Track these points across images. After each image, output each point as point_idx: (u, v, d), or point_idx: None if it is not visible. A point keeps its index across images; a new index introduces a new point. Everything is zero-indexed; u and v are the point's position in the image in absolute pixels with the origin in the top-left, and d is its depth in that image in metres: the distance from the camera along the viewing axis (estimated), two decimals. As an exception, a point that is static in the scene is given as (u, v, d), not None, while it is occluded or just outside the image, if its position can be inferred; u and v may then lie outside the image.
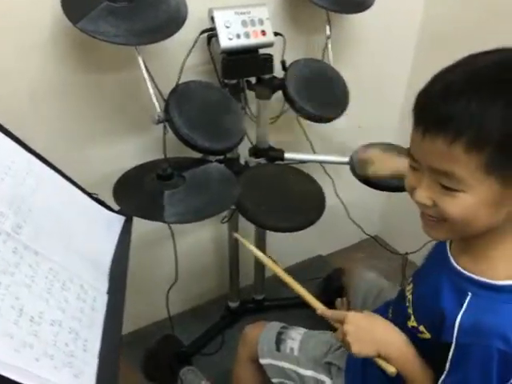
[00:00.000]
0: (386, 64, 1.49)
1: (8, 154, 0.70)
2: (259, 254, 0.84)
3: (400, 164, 0.97)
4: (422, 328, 0.70)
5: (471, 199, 0.56)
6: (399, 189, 1.20)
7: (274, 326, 1.02)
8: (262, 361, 0.98)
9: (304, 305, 1.08)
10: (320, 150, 1.44)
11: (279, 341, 0.98)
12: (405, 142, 0.68)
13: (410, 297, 0.75)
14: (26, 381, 0.50)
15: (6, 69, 0.97)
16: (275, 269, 0.82)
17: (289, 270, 1.83)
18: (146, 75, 0.99)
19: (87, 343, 0.60)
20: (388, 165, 0.96)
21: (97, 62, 1.08)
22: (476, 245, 0.64)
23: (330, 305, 1.53)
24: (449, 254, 0.68)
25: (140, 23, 0.89)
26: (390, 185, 1.18)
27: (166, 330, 1.45)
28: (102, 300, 0.68)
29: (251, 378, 1.06)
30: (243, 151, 1.30)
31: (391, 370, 0.70)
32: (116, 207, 0.88)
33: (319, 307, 0.77)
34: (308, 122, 1.30)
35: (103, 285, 0.71)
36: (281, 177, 1.10)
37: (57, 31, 0.99)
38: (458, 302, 0.63)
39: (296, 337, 0.98)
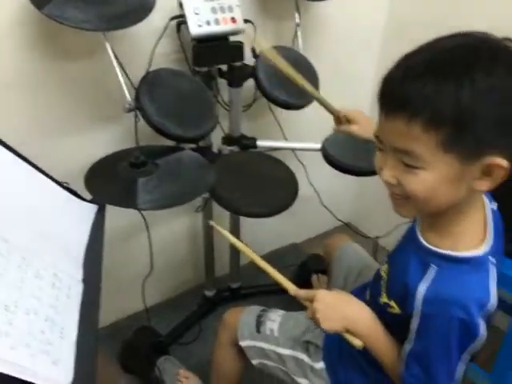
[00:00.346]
0: (354, 50, 1.52)
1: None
2: (234, 240, 0.85)
3: None
4: (392, 303, 0.73)
5: (431, 176, 0.59)
6: (368, 173, 1.23)
7: (254, 310, 1.03)
8: (243, 343, 0.99)
9: (279, 290, 1.11)
10: (292, 137, 1.46)
11: (259, 323, 0.99)
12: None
13: (384, 275, 0.78)
14: (2, 369, 0.49)
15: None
16: (250, 254, 0.83)
17: (263, 258, 1.86)
18: (114, 63, 0.98)
19: (64, 331, 0.60)
20: (369, 126, 0.98)
21: (65, 49, 1.06)
22: (441, 222, 0.67)
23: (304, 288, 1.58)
24: (417, 232, 0.72)
25: (109, 9, 0.88)
26: (359, 169, 1.21)
27: (143, 322, 1.44)
28: (78, 288, 0.68)
29: (231, 361, 1.07)
30: (216, 140, 1.30)
31: (358, 343, 0.73)
32: (88, 197, 0.87)
33: (291, 288, 0.79)
34: (280, 109, 1.31)
35: (78, 273, 0.70)
36: (254, 164, 1.11)
37: (23, 18, 0.96)
38: (423, 274, 0.66)
39: (275, 318, 1.00)
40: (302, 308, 0.80)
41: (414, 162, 0.59)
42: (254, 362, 1.00)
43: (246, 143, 1.29)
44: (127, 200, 0.79)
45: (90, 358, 0.58)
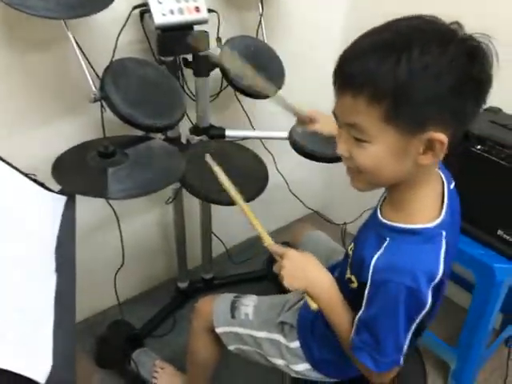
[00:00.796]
0: (315, 39, 1.55)
1: None
2: (225, 179, 0.87)
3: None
4: (352, 277, 0.76)
5: (376, 149, 0.63)
6: (334, 159, 1.27)
7: (227, 296, 1.05)
8: (218, 329, 1.01)
9: (252, 279, 1.13)
10: (259, 126, 1.47)
11: (233, 308, 1.01)
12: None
13: (350, 253, 0.81)
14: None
15: None
16: (237, 200, 0.86)
17: (235, 249, 1.88)
18: (78, 52, 0.96)
19: (38, 323, 0.59)
20: (329, 123, 1.02)
21: (27, 38, 1.03)
22: (396, 198, 0.72)
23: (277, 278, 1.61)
24: (377, 211, 0.75)
25: (70, -4, 0.86)
26: (325, 155, 1.23)
27: (116, 317, 1.43)
28: (51, 279, 0.67)
29: (206, 349, 1.08)
30: (184, 131, 1.30)
31: (313, 306, 0.76)
32: (56, 189, 0.85)
33: (268, 241, 0.83)
34: (247, 98, 1.32)
35: (51, 263, 0.69)
36: (223, 153, 1.11)
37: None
38: (378, 247, 0.69)
39: (249, 303, 1.02)
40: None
41: (361, 136, 0.63)
42: (231, 347, 1.01)
43: (214, 133, 1.29)
44: (97, 189, 0.78)
45: (68, 346, 0.58)
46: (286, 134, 1.30)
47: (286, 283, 0.77)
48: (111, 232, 1.29)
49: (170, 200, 1.35)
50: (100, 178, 0.81)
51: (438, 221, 0.68)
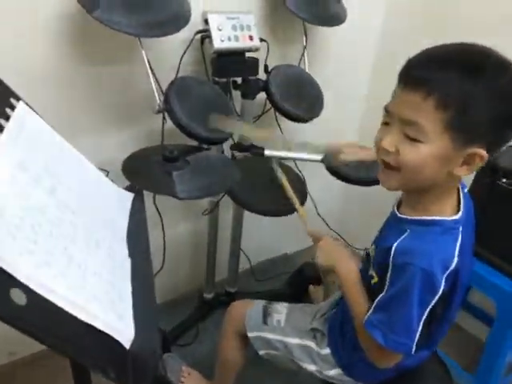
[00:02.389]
0: (350, 73, 1.67)
1: (36, 124, 0.75)
2: (286, 184, 1.00)
3: (365, 154, 1.11)
4: (373, 273, 0.82)
5: (427, 150, 0.68)
6: (367, 183, 1.35)
7: (260, 302, 1.11)
8: (250, 334, 1.06)
9: (273, 297, 1.20)
10: (294, 149, 1.56)
11: (266, 315, 1.07)
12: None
13: (372, 254, 0.87)
14: (83, 317, 0.55)
15: (4, 50, 1.00)
16: (295, 202, 0.99)
17: (258, 266, 1.92)
18: (147, 67, 1.07)
19: (122, 294, 0.66)
20: (356, 152, 1.11)
21: (98, 52, 1.14)
22: (419, 201, 0.77)
23: (297, 296, 1.65)
24: (396, 211, 0.83)
25: (150, 17, 0.97)
26: (359, 178, 1.31)
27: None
28: (127, 262, 0.74)
29: (235, 352, 1.13)
30: (226, 147, 1.39)
31: (336, 281, 0.88)
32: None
33: (308, 227, 0.99)
34: (285, 122, 1.42)
35: (124, 249, 0.76)
36: (266, 169, 1.19)
37: (60, 19, 1.04)
38: (398, 237, 0.76)
39: (282, 310, 1.07)
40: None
41: (417, 135, 0.68)
42: (261, 352, 1.06)
43: (254, 151, 1.38)
44: (166, 188, 0.86)
45: (150, 320, 0.64)
46: (320, 157, 1.39)
47: (318, 260, 0.91)
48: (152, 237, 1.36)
49: (207, 212, 1.42)
50: (166, 179, 0.89)
51: (457, 216, 0.75)
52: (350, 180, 1.32)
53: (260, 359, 1.11)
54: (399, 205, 0.84)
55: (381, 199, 1.56)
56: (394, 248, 0.74)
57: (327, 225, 1.76)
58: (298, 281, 1.72)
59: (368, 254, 0.90)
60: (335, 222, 1.90)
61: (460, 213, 0.76)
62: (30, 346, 1.38)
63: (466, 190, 0.83)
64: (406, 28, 1.63)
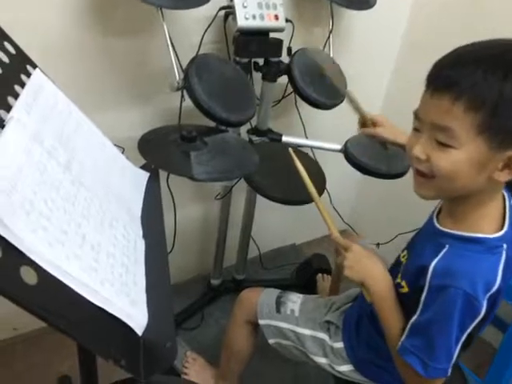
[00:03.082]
0: (374, 60, 1.61)
1: (52, 94, 0.71)
2: (302, 170, 0.91)
3: (401, 135, 1.02)
4: (403, 283, 0.78)
5: (460, 156, 0.64)
6: (387, 176, 1.30)
7: (273, 291, 1.08)
8: (261, 322, 1.03)
9: (281, 286, 1.17)
10: (312, 137, 1.51)
11: (279, 303, 1.04)
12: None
13: (403, 260, 0.84)
14: (95, 300, 0.52)
15: (20, 18, 0.95)
16: (313, 194, 0.89)
17: (267, 255, 1.90)
18: (168, 41, 1.02)
19: (136, 278, 0.63)
20: (393, 131, 1.05)
21: (116, 24, 1.09)
22: (460, 211, 0.73)
23: (305, 288, 1.63)
24: (434, 221, 0.78)
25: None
26: (379, 171, 1.27)
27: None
28: (141, 243, 0.71)
29: (244, 339, 1.11)
30: (242, 131, 1.35)
31: (368, 298, 0.80)
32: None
33: (335, 233, 0.86)
34: (304, 108, 1.37)
35: (139, 230, 0.73)
36: (284, 155, 1.15)
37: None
38: (436, 253, 0.71)
39: (296, 300, 1.04)
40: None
41: (449, 140, 0.64)
42: (271, 341, 1.04)
43: (272, 137, 1.33)
44: (184, 169, 0.82)
45: (165, 306, 0.61)
46: (339, 147, 1.35)
47: (346, 273, 0.81)
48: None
49: (220, 196, 1.39)
50: (184, 159, 0.85)
51: (501, 233, 0.70)
52: (369, 172, 1.27)
53: (264, 350, 1.09)
54: (438, 213, 0.79)
55: (398, 194, 1.52)
56: (431, 268, 0.70)
57: (341, 217, 1.72)
58: (305, 271, 1.69)
59: (399, 260, 0.86)
60: (350, 214, 1.87)
61: (505, 228, 0.71)
62: (32, 322, 1.36)
63: None
64: (433, 18, 1.57)
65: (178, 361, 1.31)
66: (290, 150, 0.89)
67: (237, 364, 1.16)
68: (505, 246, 0.70)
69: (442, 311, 0.68)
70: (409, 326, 0.73)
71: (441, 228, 0.75)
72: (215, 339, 1.48)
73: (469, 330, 0.69)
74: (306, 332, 0.99)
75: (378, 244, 1.82)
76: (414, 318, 0.73)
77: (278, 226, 1.84)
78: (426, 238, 0.79)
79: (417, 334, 0.72)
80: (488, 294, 0.67)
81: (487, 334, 1.61)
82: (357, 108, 1.14)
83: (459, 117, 0.63)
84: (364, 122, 1.13)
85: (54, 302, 0.47)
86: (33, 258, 0.46)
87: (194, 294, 1.61)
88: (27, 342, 1.38)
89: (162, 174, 1.13)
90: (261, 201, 1.53)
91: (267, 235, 1.79)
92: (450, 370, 0.71)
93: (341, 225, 1.78)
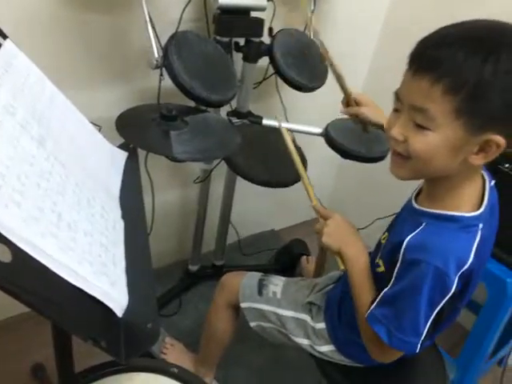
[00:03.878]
0: (356, 37, 1.60)
1: (25, 67, 0.67)
2: (290, 143, 0.92)
3: (384, 116, 1.01)
4: (380, 262, 0.79)
5: (437, 138, 0.64)
6: (367, 159, 1.30)
7: (255, 274, 1.07)
8: (243, 304, 1.02)
9: (261, 271, 1.17)
10: (293, 120, 1.50)
11: (261, 286, 1.03)
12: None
13: (383, 242, 0.84)
14: (73, 280, 0.50)
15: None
16: (298, 164, 0.91)
17: (246, 240, 1.89)
18: (147, 17, 0.98)
19: (115, 258, 0.60)
20: (376, 111, 1.04)
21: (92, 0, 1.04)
22: (437, 192, 0.73)
23: (285, 273, 1.63)
24: (413, 201, 0.78)
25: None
26: (359, 153, 1.27)
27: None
28: (120, 223, 0.68)
29: (224, 323, 1.11)
30: (222, 113, 1.32)
31: (341, 266, 0.81)
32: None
33: (315, 201, 0.89)
34: (285, 91, 1.35)
35: (118, 210, 0.70)
36: (265, 138, 1.14)
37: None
38: (413, 230, 0.72)
39: (278, 282, 1.04)
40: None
41: (426, 122, 0.64)
42: (252, 323, 1.03)
43: (252, 120, 1.31)
44: (163, 148, 0.80)
45: (146, 287, 0.59)
46: (320, 130, 1.34)
47: (324, 240, 0.82)
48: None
49: (199, 180, 1.36)
50: (163, 138, 0.83)
51: (477, 213, 0.70)
52: (349, 155, 1.27)
53: (244, 334, 1.08)
54: (417, 194, 0.79)
55: (377, 180, 1.53)
56: (405, 242, 0.70)
57: (319, 201, 1.71)
58: (285, 257, 1.69)
59: (379, 242, 0.86)
60: (329, 199, 1.87)
61: (482, 209, 0.71)
62: (7, 310, 1.32)
63: (492, 184, 0.77)
64: (415, 2, 1.57)
65: (156, 347, 1.29)
66: (277, 116, 0.87)
67: (217, 348, 1.15)
68: (480, 225, 0.70)
69: (413, 284, 0.69)
70: (380, 296, 0.74)
71: (418, 207, 0.76)
72: (193, 325, 1.47)
73: (438, 307, 0.69)
74: (288, 313, 0.99)
75: (357, 229, 1.84)
76: (386, 289, 0.73)
77: (257, 211, 1.83)
78: (405, 218, 0.80)
79: (386, 304, 0.73)
80: (460, 272, 0.67)
81: (460, 316, 1.65)
82: (342, 85, 1.11)
83: (437, 99, 0.62)
84: (348, 101, 1.11)
85: (30, 280, 0.44)
86: (5, 234, 0.43)
87: (172, 280, 1.59)
88: (2, 330, 1.34)
89: (141, 157, 1.10)
90: (240, 186, 1.52)
91: (246, 221, 1.78)
92: (418, 347, 0.71)
93: (313, 213, 1.78)
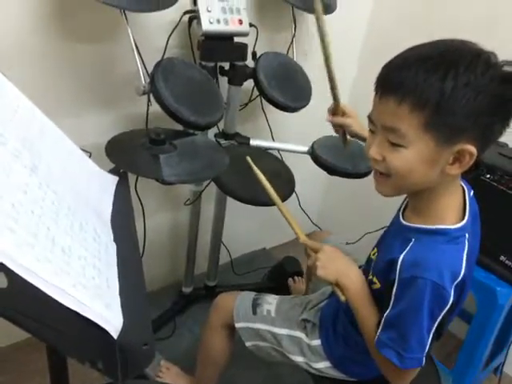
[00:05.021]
0: (338, 58, 1.64)
1: (14, 98, 0.69)
2: (264, 180, 0.92)
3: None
4: (375, 279, 0.80)
5: (411, 153, 0.68)
6: (353, 175, 1.33)
7: (249, 293, 1.08)
8: (238, 325, 1.03)
9: (255, 290, 1.18)
10: (279, 140, 1.53)
11: (255, 305, 1.04)
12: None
13: (374, 258, 0.86)
14: (68, 303, 0.50)
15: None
16: (276, 200, 0.91)
17: (238, 260, 1.90)
18: (133, 45, 1.01)
19: (109, 281, 0.61)
20: (361, 124, 1.07)
21: (80, 29, 1.07)
22: (421, 206, 0.76)
23: (278, 291, 1.63)
24: (400, 217, 0.81)
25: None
26: (345, 170, 1.30)
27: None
28: (112, 246, 0.69)
29: (220, 344, 1.10)
30: (210, 135, 1.34)
31: (342, 298, 0.82)
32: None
33: (302, 237, 0.89)
34: (271, 112, 1.38)
35: (109, 233, 0.71)
36: (253, 158, 1.16)
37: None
38: (404, 247, 0.74)
39: (272, 301, 1.05)
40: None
41: (399, 140, 0.68)
42: (248, 343, 1.03)
43: (240, 141, 1.34)
44: (153, 171, 0.81)
45: (141, 308, 0.60)
46: (306, 148, 1.37)
47: (319, 273, 0.82)
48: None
49: (189, 202, 1.37)
50: (153, 162, 0.84)
51: (462, 223, 0.73)
52: (336, 172, 1.30)
53: (240, 355, 1.08)
54: (404, 210, 0.82)
55: (365, 194, 1.55)
56: (400, 262, 0.72)
57: (309, 218, 1.74)
58: (278, 275, 1.70)
59: (369, 258, 0.88)
60: (318, 216, 1.89)
61: (465, 219, 0.74)
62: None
63: (471, 194, 0.81)
64: (393, 23, 1.63)
65: (151, 370, 1.28)
66: (248, 158, 0.90)
67: (214, 370, 1.14)
68: (467, 235, 0.73)
69: (413, 302, 0.70)
70: (383, 320, 0.75)
71: (406, 223, 0.78)
72: (189, 348, 1.46)
73: (439, 319, 0.71)
74: (283, 332, 1.00)
75: (346, 243, 1.85)
76: (387, 311, 0.74)
77: (248, 231, 1.85)
78: (394, 234, 0.81)
79: (391, 327, 0.74)
80: (455, 283, 0.69)
81: (454, 326, 1.67)
82: (334, 89, 1.10)
83: (405, 118, 0.66)
84: (335, 110, 1.13)
85: (26, 305, 0.45)
86: (1, 260, 0.44)
87: (166, 303, 1.58)
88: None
89: (131, 181, 1.12)
90: (230, 206, 1.53)
91: (238, 241, 1.79)
92: (424, 360, 0.73)
93: (309, 226, 1.80)
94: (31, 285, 0.47)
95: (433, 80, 0.63)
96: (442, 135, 0.66)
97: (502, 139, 1.44)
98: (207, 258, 1.61)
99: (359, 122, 1.09)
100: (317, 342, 0.96)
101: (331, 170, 1.30)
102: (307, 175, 1.53)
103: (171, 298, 1.61)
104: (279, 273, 1.69)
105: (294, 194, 1.64)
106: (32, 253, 0.50)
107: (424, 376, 1.01)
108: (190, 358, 1.27)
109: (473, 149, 0.66)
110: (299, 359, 0.97)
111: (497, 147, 1.36)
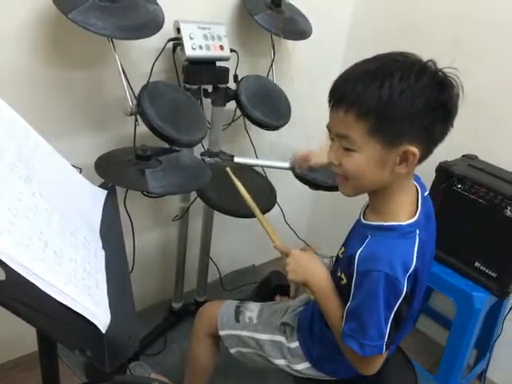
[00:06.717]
0: (317, 79, 1.73)
1: (10, 117, 0.75)
2: (243, 190, 0.99)
3: None
4: (342, 275, 0.86)
5: (361, 157, 0.75)
6: (336, 188, 1.39)
7: (232, 302, 1.13)
8: (222, 333, 1.07)
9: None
10: (262, 157, 1.60)
11: (238, 313, 1.08)
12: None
13: (340, 256, 0.92)
14: (60, 298, 0.56)
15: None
16: (253, 207, 0.98)
17: (227, 276, 1.93)
18: (120, 70, 1.08)
19: (98, 283, 0.66)
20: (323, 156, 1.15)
21: (69, 57, 1.15)
22: (377, 204, 0.84)
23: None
24: (361, 217, 0.88)
25: (125, 21, 0.99)
26: (326, 184, 1.36)
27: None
28: (101, 253, 0.74)
29: (206, 353, 1.14)
30: (196, 153, 1.41)
31: (311, 296, 0.89)
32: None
33: (276, 241, 0.95)
34: (253, 131, 1.46)
35: (98, 241, 0.77)
36: (236, 173, 1.22)
37: (33, 21, 1.05)
38: (362, 243, 0.80)
39: (254, 308, 1.09)
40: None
41: (350, 145, 0.76)
42: (232, 350, 1.08)
43: (224, 158, 1.41)
44: (139, 184, 0.87)
45: (127, 308, 0.64)
46: (288, 165, 1.44)
47: (290, 277, 0.89)
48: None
49: (177, 218, 1.43)
50: (139, 176, 0.91)
51: (413, 220, 0.80)
52: (318, 186, 1.36)
53: (227, 366, 1.11)
54: (366, 210, 0.89)
55: (350, 206, 1.62)
56: (357, 256, 0.78)
57: (295, 233, 1.79)
58: (265, 289, 1.74)
59: (338, 257, 0.94)
60: (303, 230, 1.95)
61: (416, 216, 0.80)
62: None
63: (426, 194, 0.88)
64: (368, 45, 1.73)
65: None
66: (227, 168, 0.96)
67: (200, 379, 1.17)
68: (417, 231, 0.79)
69: (369, 293, 0.76)
70: (345, 312, 0.81)
71: (365, 222, 0.86)
72: (179, 363, 1.48)
73: (395, 309, 0.76)
74: (265, 337, 1.04)
75: (332, 257, 1.91)
76: (348, 304, 0.80)
77: (237, 248, 1.90)
78: (355, 232, 0.89)
79: (351, 318, 0.79)
80: (407, 274, 0.75)
81: (438, 335, 1.71)
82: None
83: (353, 125, 0.74)
84: (298, 163, 1.27)
85: (22, 296, 0.50)
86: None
87: (156, 320, 1.61)
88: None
89: (120, 198, 1.18)
90: (218, 223, 1.59)
91: (227, 258, 1.84)
92: (384, 347, 0.78)
93: (296, 241, 1.86)
94: (26, 279, 0.52)
95: (371, 90, 0.72)
96: (387, 139, 0.73)
97: (472, 152, 1.53)
98: (196, 275, 1.65)
99: (320, 157, 1.18)
100: (296, 344, 1.01)
101: (313, 184, 1.37)
102: (293, 191, 1.59)
103: (162, 313, 1.64)
104: (266, 287, 1.73)
105: (278, 210, 1.72)
106: (27, 252, 0.55)
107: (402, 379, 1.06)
108: (180, 373, 1.30)
109: (414, 149, 0.73)
110: (281, 362, 1.02)
111: (467, 159, 1.44)
